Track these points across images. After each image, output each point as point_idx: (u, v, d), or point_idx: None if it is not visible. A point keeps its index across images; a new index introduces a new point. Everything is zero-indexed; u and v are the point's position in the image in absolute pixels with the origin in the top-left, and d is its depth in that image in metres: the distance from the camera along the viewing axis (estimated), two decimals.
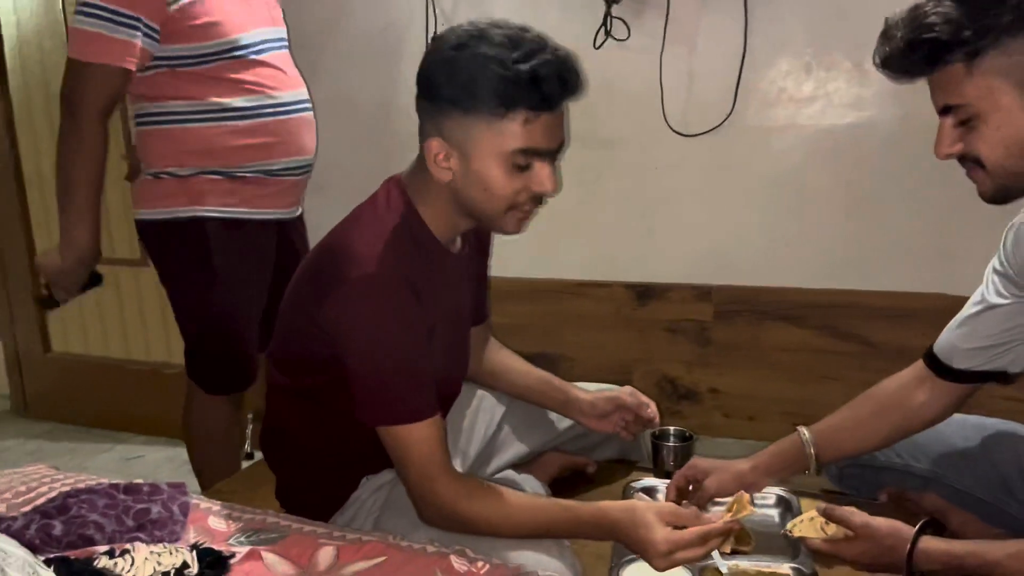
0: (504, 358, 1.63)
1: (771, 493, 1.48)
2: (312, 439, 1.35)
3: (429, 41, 2.32)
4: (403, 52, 2.36)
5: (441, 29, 2.31)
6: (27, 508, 1.18)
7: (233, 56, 1.69)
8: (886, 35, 1.11)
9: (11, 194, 2.74)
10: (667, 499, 1.42)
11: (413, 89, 1.22)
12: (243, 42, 1.70)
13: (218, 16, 1.66)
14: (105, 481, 1.25)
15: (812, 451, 1.37)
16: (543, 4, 2.23)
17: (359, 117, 2.41)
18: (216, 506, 1.25)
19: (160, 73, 1.68)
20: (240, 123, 1.71)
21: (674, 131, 2.18)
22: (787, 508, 1.44)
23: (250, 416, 2.39)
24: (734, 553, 1.26)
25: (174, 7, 1.62)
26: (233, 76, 1.70)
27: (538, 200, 1.21)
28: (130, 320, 2.71)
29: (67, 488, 1.23)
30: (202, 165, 1.72)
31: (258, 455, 1.57)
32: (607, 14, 2.15)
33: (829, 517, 1.24)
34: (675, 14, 2.13)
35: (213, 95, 1.70)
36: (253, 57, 1.72)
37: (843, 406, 1.43)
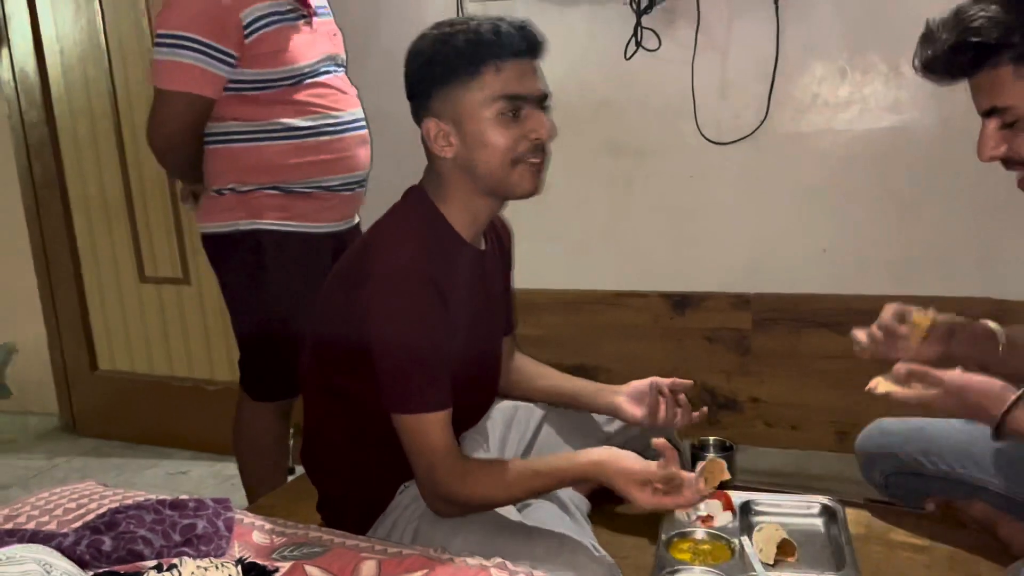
0: (528, 363, 1.64)
1: (816, 502, 1.46)
2: (349, 444, 1.37)
3: None
4: None
5: None
6: (77, 524, 1.21)
7: (297, 80, 1.76)
8: (928, 38, 1.10)
9: (58, 217, 2.81)
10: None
11: None
12: (307, 68, 1.77)
13: (285, 44, 1.73)
14: (152, 497, 1.28)
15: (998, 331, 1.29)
16: (572, 16, 2.23)
17: (397, 132, 2.43)
18: (259, 521, 1.27)
19: (227, 97, 1.75)
20: (300, 142, 1.78)
21: (708, 139, 2.18)
22: (832, 517, 1.42)
23: (291, 431, 2.42)
24: (777, 563, 1.25)
25: (251, 38, 1.69)
26: (296, 98, 1.77)
27: (540, 149, 1.27)
28: (173, 337, 2.76)
29: (115, 504, 1.25)
30: (262, 182, 1.78)
31: (299, 469, 1.58)
32: (637, 24, 2.15)
33: (912, 376, 1.19)
34: (706, 22, 2.12)
35: (275, 115, 1.76)
36: (315, 80, 1.79)
37: None
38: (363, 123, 1.91)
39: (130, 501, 1.26)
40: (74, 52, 2.65)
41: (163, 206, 2.62)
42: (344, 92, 1.86)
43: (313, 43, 1.80)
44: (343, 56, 1.91)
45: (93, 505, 1.27)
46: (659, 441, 1.23)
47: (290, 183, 1.79)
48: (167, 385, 2.79)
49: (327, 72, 1.82)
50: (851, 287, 2.15)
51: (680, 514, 1.36)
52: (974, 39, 1.04)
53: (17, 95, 2.77)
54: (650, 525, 1.40)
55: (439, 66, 1.24)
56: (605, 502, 1.46)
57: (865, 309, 2.12)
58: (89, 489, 1.34)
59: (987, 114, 1.09)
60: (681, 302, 2.31)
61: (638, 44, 2.17)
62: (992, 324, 1.30)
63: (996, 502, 1.34)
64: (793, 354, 2.22)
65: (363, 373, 1.25)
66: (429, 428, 1.23)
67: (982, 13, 1.04)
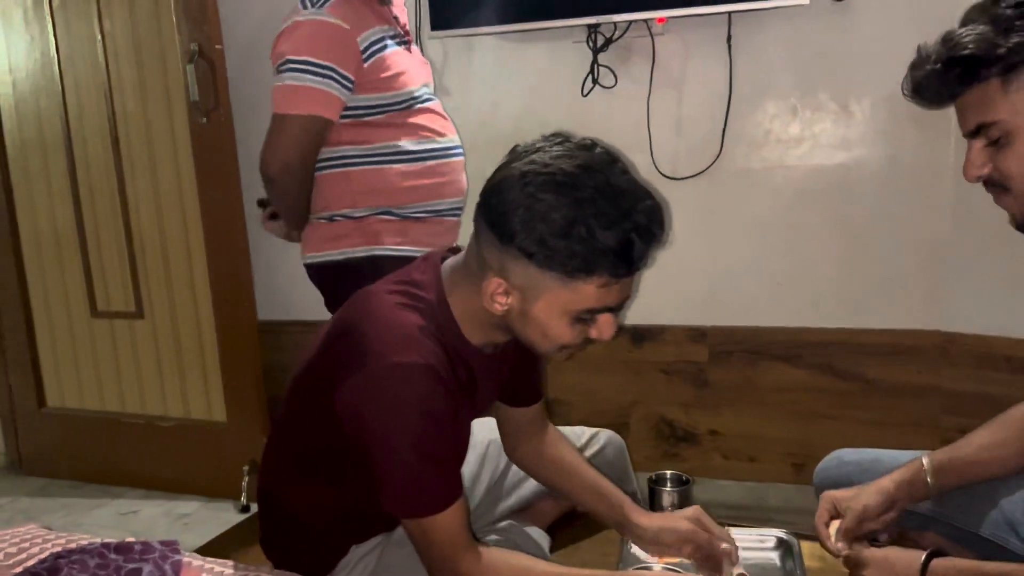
0: (562, 454, 1.45)
1: (771, 535, 1.46)
2: (305, 506, 1.31)
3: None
4: None
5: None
6: (18, 570, 1.16)
7: (408, 104, 1.77)
8: (918, 63, 1.13)
9: (7, 251, 2.75)
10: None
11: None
12: (417, 92, 1.78)
13: (399, 68, 1.75)
14: (97, 540, 1.24)
15: (931, 479, 1.31)
16: (531, 53, 2.26)
17: None
18: (209, 563, 1.24)
19: (340, 123, 1.74)
20: (412, 165, 1.78)
21: (663, 175, 2.21)
22: (788, 551, 1.43)
23: (246, 468, 2.38)
24: None
25: (368, 62, 1.70)
26: (408, 121, 1.78)
27: (588, 342, 1.15)
28: (125, 373, 2.70)
29: (58, 548, 1.21)
30: (375, 205, 1.77)
31: (254, 507, 1.55)
32: (594, 62, 2.19)
33: (846, 560, 1.24)
34: (661, 61, 2.17)
35: (388, 138, 1.76)
36: (423, 104, 1.80)
37: (972, 432, 1.34)
38: (462, 149, 1.91)
39: (74, 545, 1.22)
40: (26, 84, 2.61)
41: (116, 238, 2.58)
42: (444, 117, 1.87)
43: (417, 68, 1.83)
44: (433, 83, 1.94)
45: (35, 550, 1.22)
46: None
47: (404, 206, 1.78)
48: (118, 422, 2.72)
49: (429, 98, 1.84)
50: (805, 320, 2.18)
51: (637, 549, 1.36)
52: (963, 53, 1.07)
53: None
54: (608, 557, 1.40)
55: (543, 247, 1.03)
56: (561, 529, 1.44)
57: (818, 341, 2.18)
58: (31, 533, 1.30)
59: (973, 134, 1.12)
60: (639, 335, 2.32)
61: (595, 81, 2.20)
62: (928, 477, 1.32)
63: (948, 532, 1.35)
64: (749, 386, 2.24)
65: (345, 459, 1.16)
66: (444, 526, 1.12)
67: (970, 32, 1.07)
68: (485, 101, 2.33)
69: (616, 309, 1.11)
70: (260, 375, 2.42)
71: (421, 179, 1.79)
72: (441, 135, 1.82)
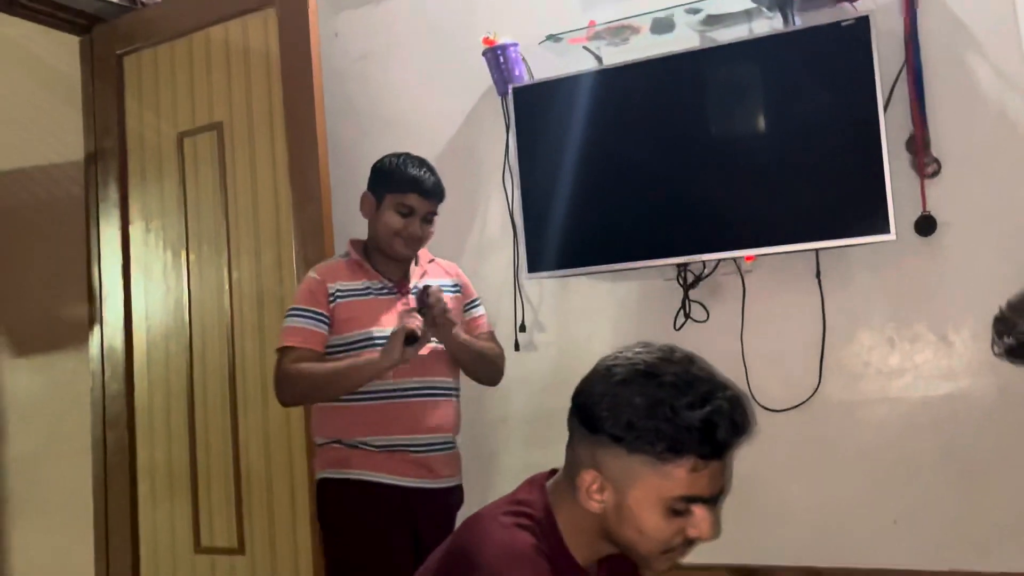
0: None
1: None
2: None
3: (518, 328, 2.46)
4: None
5: (528, 318, 2.45)
6: None
7: (365, 346, 2.02)
8: (1008, 326, 1.12)
9: (123, 486, 2.87)
10: None
11: None
12: (375, 334, 2.02)
13: (354, 313, 2.05)
14: None
15: None
16: (622, 291, 2.36)
17: None
18: None
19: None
20: (360, 404, 2.02)
21: (762, 406, 2.19)
22: None
23: None
24: None
25: (332, 304, 2.05)
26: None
27: (689, 544, 1.13)
28: None
29: None
30: (329, 436, 2.07)
31: None
32: (685, 298, 2.26)
33: None
34: (752, 296, 2.22)
35: None
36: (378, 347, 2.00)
37: None
38: (433, 390, 2.07)
39: None
40: (159, 330, 2.84)
41: (225, 475, 2.67)
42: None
43: (383, 310, 2.08)
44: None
45: None
46: None
47: (352, 438, 2.04)
48: None
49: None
50: (928, 562, 2.03)
51: None
52: None
53: (102, 369, 2.94)
54: None
55: (633, 434, 1.06)
56: None
57: None
58: None
59: None
60: (747, 575, 2.20)
61: (687, 316, 2.26)
62: None
63: None
64: None
65: None
66: None
67: None
68: (580, 335, 2.41)
69: (711, 501, 1.10)
70: None
71: (368, 416, 2.02)
72: (397, 377, 2.00)
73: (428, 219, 2.11)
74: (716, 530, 1.11)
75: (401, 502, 2.01)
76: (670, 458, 1.05)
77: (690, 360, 1.11)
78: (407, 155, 2.14)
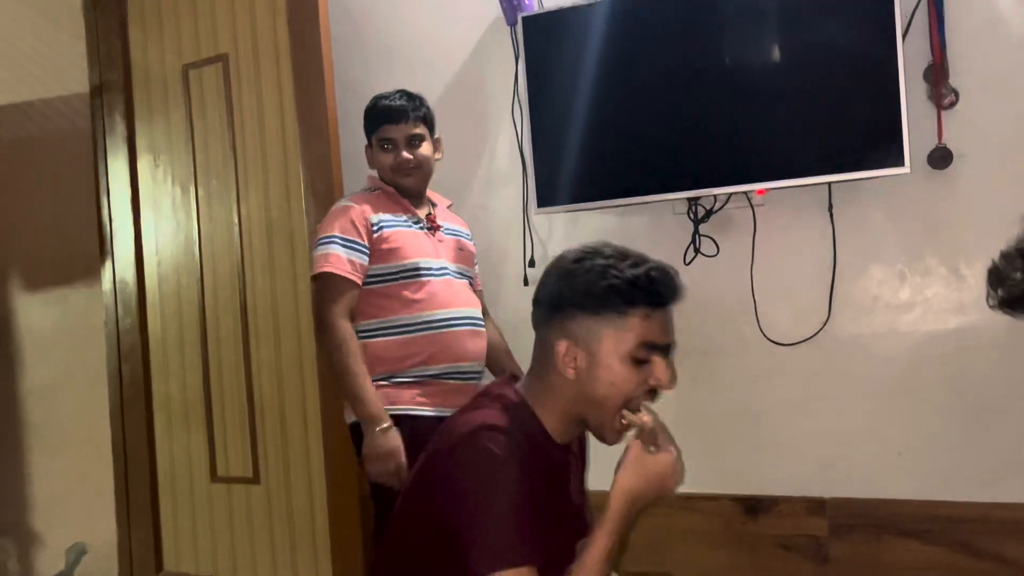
0: None
1: None
2: None
3: (527, 263, 2.46)
4: (503, 275, 2.50)
5: (537, 254, 2.45)
6: None
7: (411, 275, 2.04)
8: (1001, 277, 1.11)
9: (140, 415, 2.92)
10: None
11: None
12: (421, 265, 2.04)
13: (399, 243, 2.05)
14: None
15: None
16: (633, 225, 2.35)
17: None
18: None
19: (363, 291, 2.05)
20: (398, 338, 2.03)
21: (771, 340, 2.19)
22: None
23: None
24: None
25: (376, 234, 2.04)
26: (403, 295, 2.04)
27: (652, 394, 1.32)
28: (239, 539, 2.76)
29: None
30: (376, 373, 2.02)
31: None
32: (695, 232, 2.25)
33: None
34: (762, 230, 2.21)
35: (386, 314, 2.04)
36: (430, 279, 2.05)
37: None
38: (468, 320, 2.10)
39: None
40: (170, 264, 2.86)
41: (239, 405, 2.71)
42: (450, 291, 2.09)
43: (428, 246, 2.11)
44: (466, 267, 2.20)
45: None
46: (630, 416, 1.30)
47: (396, 374, 2.03)
48: None
49: (440, 275, 2.08)
50: (933, 492, 2.06)
51: None
52: None
53: (116, 303, 2.97)
54: None
55: (592, 298, 1.26)
56: None
57: (950, 516, 2.04)
58: None
59: None
60: (753, 506, 2.23)
61: (696, 250, 2.25)
62: None
63: None
64: (875, 564, 2.10)
65: (446, 566, 1.19)
66: None
67: None
68: None
69: (663, 348, 1.29)
70: (368, 545, 2.43)
71: (409, 348, 2.02)
72: (439, 307, 2.04)
73: (414, 143, 2.11)
74: (673, 379, 1.31)
75: None
76: (626, 310, 1.26)
77: (623, 248, 1.32)
78: (384, 92, 2.15)
